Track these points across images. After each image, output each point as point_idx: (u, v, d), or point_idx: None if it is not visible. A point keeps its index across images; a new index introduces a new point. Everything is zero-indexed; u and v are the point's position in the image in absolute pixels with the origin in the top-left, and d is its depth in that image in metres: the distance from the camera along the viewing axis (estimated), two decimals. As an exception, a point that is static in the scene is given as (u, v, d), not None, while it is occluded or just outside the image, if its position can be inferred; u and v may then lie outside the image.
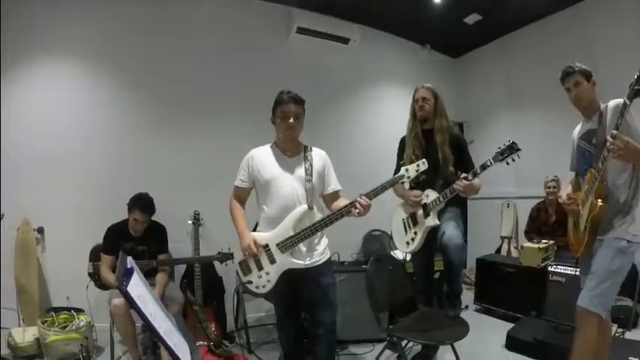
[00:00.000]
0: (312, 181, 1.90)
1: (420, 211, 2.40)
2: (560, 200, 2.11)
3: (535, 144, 3.86)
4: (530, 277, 3.17)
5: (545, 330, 2.68)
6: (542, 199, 4.12)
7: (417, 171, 1.84)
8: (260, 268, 1.90)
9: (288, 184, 1.88)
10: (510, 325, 2.94)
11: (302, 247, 1.87)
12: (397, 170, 2.53)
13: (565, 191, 2.08)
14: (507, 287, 3.33)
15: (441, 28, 4.66)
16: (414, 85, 2.56)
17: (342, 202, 1.91)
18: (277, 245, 1.85)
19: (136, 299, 0.90)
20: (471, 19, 4.41)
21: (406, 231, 2.50)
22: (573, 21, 4.21)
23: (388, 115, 4.61)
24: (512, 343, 2.69)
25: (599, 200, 1.76)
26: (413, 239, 2.45)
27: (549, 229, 3.90)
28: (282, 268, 1.86)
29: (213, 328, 2.81)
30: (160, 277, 2.66)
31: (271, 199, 1.90)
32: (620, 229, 1.78)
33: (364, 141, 4.48)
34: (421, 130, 2.47)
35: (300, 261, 1.86)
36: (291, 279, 1.90)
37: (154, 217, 2.76)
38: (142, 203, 2.62)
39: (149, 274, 2.69)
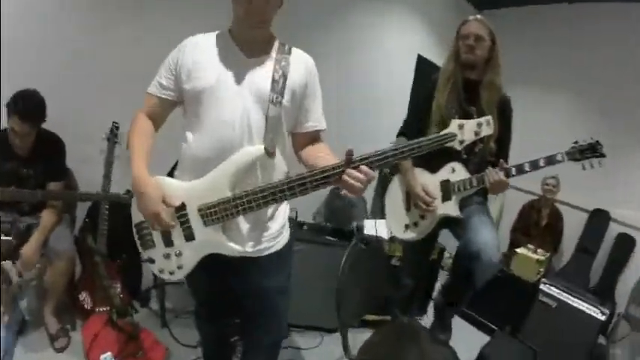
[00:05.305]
0: (281, 104, 1.08)
1: (437, 190, 1.72)
2: None
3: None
4: (517, 288, 2.68)
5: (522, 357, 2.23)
6: (536, 197, 3.68)
7: (476, 133, 1.08)
8: (168, 243, 1.14)
9: (236, 103, 1.05)
10: (482, 335, 2.58)
11: (243, 221, 1.11)
12: (407, 130, 1.81)
13: None
14: (488, 291, 2.84)
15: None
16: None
17: (323, 155, 1.12)
18: (200, 211, 1.08)
19: None
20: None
21: (408, 210, 1.84)
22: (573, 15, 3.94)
23: (387, 50, 3.71)
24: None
25: None
26: (416, 224, 1.80)
27: (539, 233, 3.48)
28: (203, 251, 1.12)
29: (119, 290, 2.11)
30: (46, 217, 1.88)
31: (203, 125, 1.08)
32: None
33: (352, 84, 3.47)
34: (462, 79, 1.72)
35: (237, 245, 1.09)
36: (219, 268, 1.16)
37: (54, 128, 1.94)
38: (24, 106, 1.72)
39: (37, 209, 1.93)
